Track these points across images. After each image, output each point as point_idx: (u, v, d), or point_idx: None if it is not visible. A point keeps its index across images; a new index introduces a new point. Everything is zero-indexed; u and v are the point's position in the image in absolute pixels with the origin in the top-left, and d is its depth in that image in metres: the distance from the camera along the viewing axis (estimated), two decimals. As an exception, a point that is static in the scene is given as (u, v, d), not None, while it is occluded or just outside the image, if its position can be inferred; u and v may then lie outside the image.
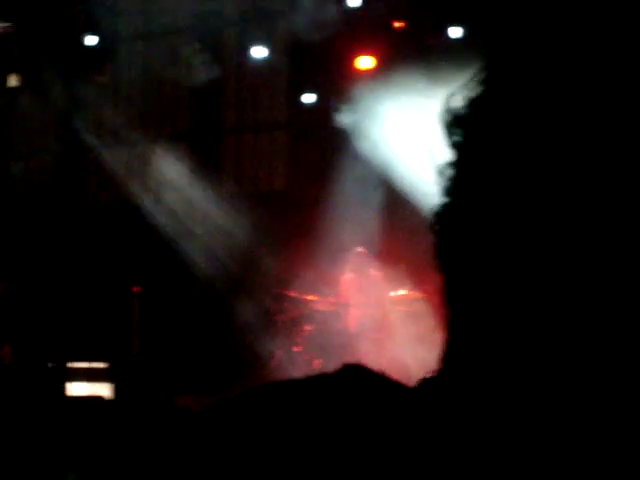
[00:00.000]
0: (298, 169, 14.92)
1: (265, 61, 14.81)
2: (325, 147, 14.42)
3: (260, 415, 0.97)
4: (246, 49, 14.82)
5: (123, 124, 15.78)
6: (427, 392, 0.99)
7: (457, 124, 0.95)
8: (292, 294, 13.04)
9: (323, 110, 14.34)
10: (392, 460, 0.94)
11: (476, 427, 0.96)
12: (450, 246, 1.03)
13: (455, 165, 0.96)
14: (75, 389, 12.38)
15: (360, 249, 12.90)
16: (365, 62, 13.53)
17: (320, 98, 14.50)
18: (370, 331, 12.70)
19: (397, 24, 13.11)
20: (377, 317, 12.77)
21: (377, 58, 13.55)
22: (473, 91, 0.94)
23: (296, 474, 0.93)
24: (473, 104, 0.94)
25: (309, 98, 14.65)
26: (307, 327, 12.81)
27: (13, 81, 16.11)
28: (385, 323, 12.74)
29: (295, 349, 12.75)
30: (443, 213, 1.00)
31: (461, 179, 0.95)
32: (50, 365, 12.20)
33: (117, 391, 12.60)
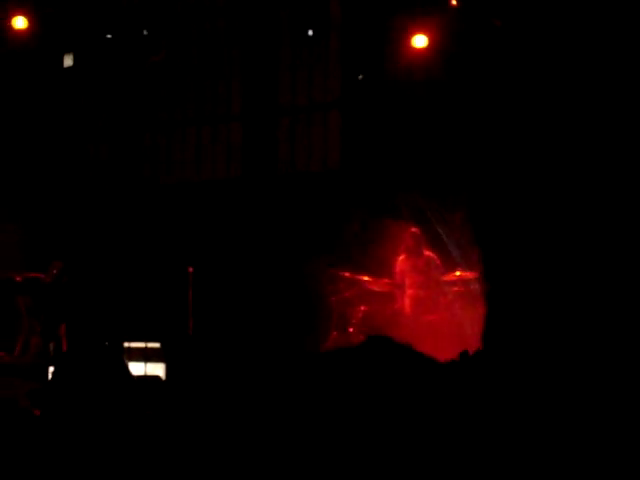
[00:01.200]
0: (352, 149, 14.84)
1: (319, 44, 14.77)
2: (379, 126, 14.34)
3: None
4: (301, 29, 14.77)
5: (177, 104, 15.80)
6: (453, 365, 0.97)
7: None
8: (346, 274, 13.01)
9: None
10: (406, 431, 0.91)
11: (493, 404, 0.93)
12: (487, 230, 1.00)
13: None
14: (131, 369, 12.44)
15: (414, 229, 12.84)
16: (420, 41, 13.40)
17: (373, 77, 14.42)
18: (425, 312, 12.66)
19: (454, 2, 12.99)
20: (432, 298, 12.72)
21: (431, 37, 13.43)
22: None
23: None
24: None
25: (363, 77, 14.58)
26: (362, 307, 12.78)
27: (69, 61, 16.15)
28: (439, 304, 12.70)
29: (349, 329, 12.72)
30: (481, 201, 0.96)
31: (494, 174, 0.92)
32: (107, 343, 12.28)
33: (169, 371, 12.66)
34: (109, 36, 15.35)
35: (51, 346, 12.81)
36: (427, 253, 12.83)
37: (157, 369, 12.75)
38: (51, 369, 11.85)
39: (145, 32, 15.32)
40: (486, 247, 11.78)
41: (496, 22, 13.01)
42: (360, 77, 14.54)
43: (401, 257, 12.94)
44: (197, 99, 15.79)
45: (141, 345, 13.13)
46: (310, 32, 14.58)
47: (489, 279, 11.67)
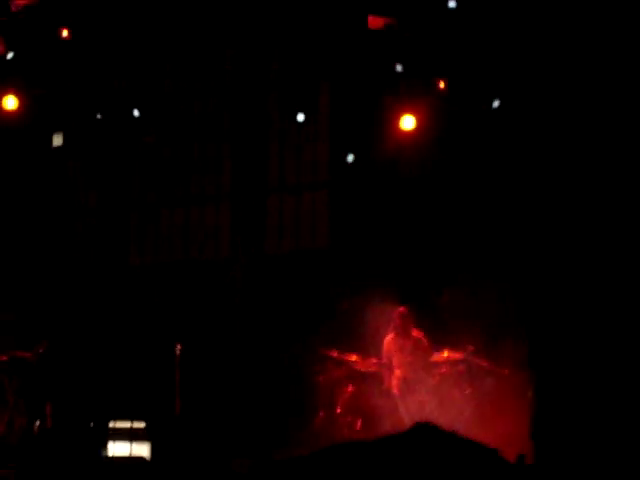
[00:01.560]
0: (340, 228, 14.90)
1: (308, 124, 14.92)
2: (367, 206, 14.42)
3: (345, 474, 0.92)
4: (289, 112, 14.93)
5: (166, 185, 15.88)
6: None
7: None
8: (334, 354, 12.98)
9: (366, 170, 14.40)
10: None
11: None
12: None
13: None
14: (116, 449, 12.34)
15: (403, 309, 12.83)
16: (408, 122, 13.52)
17: (363, 158, 14.52)
18: (412, 393, 12.59)
19: (441, 84, 13.12)
20: (419, 379, 12.65)
21: (419, 118, 13.55)
22: None
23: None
24: None
25: (350, 158, 14.68)
26: (349, 388, 12.72)
27: (58, 140, 16.25)
28: (427, 385, 12.63)
29: (337, 410, 12.65)
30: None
31: None
32: (92, 425, 12.19)
33: (154, 451, 12.55)
34: (99, 116, 15.47)
35: (36, 425, 12.70)
36: (415, 333, 12.80)
37: (142, 449, 12.63)
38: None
39: (136, 113, 15.45)
40: (534, 335, 11.75)
41: (483, 106, 13.16)
42: (349, 158, 14.64)
43: (389, 337, 12.90)
44: (186, 179, 15.87)
45: (126, 425, 13.03)
46: (300, 115, 14.71)
47: (536, 367, 11.62)
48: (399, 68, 13.44)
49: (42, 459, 3.93)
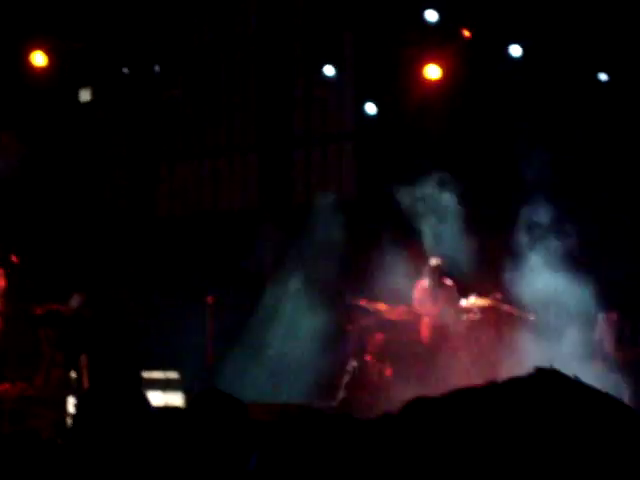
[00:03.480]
0: (367, 178, 14.96)
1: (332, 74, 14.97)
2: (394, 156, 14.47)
3: (470, 416, 1.01)
4: (314, 63, 14.98)
5: (193, 136, 15.98)
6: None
7: None
8: (363, 303, 13.07)
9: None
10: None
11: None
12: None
13: None
14: (150, 398, 12.54)
15: (435, 258, 12.89)
16: (433, 71, 13.56)
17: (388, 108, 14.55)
18: (442, 340, 12.71)
19: (466, 33, 13.14)
20: (448, 325, 12.77)
21: (444, 67, 13.57)
22: None
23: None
24: None
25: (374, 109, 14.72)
26: (378, 336, 12.85)
27: (86, 95, 16.35)
28: (457, 331, 12.74)
29: (367, 358, 12.80)
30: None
31: None
32: (126, 375, 12.40)
33: (188, 401, 12.73)
34: (126, 70, 15.56)
35: (72, 377, 12.91)
36: (445, 281, 12.86)
37: (176, 398, 12.83)
38: (71, 400, 11.97)
39: (159, 67, 15.53)
40: None
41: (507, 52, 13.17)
42: (370, 109, 14.66)
43: (420, 285, 12.96)
44: (213, 131, 15.95)
45: (160, 374, 13.23)
46: (327, 67, 14.75)
47: None
48: (424, 17, 13.47)
49: (91, 412, 4.07)
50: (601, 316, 12.09)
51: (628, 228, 12.83)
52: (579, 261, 12.28)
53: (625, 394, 11.36)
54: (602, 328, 12.07)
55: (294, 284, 14.49)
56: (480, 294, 12.74)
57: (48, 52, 14.24)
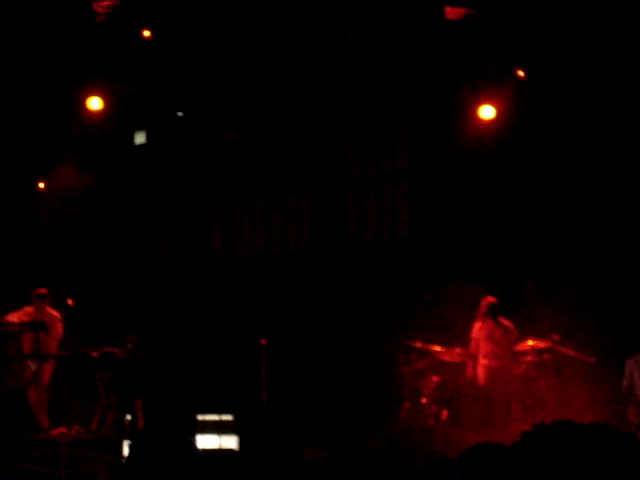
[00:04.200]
0: (421, 218, 14.89)
1: (387, 114, 14.99)
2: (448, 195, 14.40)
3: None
4: (368, 103, 15.02)
5: (247, 179, 16.03)
6: None
7: None
8: (418, 345, 12.96)
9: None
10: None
11: None
12: None
13: None
14: (205, 441, 12.52)
15: (491, 298, 12.75)
16: (487, 112, 13.49)
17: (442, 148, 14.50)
18: (498, 382, 12.54)
19: (520, 72, 13.07)
20: (505, 368, 12.60)
21: (498, 107, 13.51)
22: None
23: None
24: None
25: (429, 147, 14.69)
26: (434, 378, 12.70)
27: (140, 138, 16.49)
28: (513, 374, 12.57)
29: (422, 400, 12.65)
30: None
31: None
32: (181, 418, 12.38)
33: (243, 443, 12.68)
34: (180, 114, 15.67)
35: (127, 420, 12.91)
36: (503, 322, 12.69)
37: (230, 442, 12.79)
38: (126, 443, 11.96)
39: (215, 109, 15.62)
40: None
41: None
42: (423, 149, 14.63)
43: (477, 325, 12.81)
44: (267, 173, 15.99)
45: (215, 417, 13.20)
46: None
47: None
48: (477, 57, 13.43)
49: (142, 455, 4.04)
50: (631, 361, 11.85)
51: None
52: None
53: None
54: (631, 372, 11.83)
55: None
56: (538, 336, 12.56)
57: (104, 96, 14.38)
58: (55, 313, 13.53)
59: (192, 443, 4.18)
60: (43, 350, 13.30)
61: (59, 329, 13.52)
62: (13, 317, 13.38)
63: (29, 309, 13.47)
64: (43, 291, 13.50)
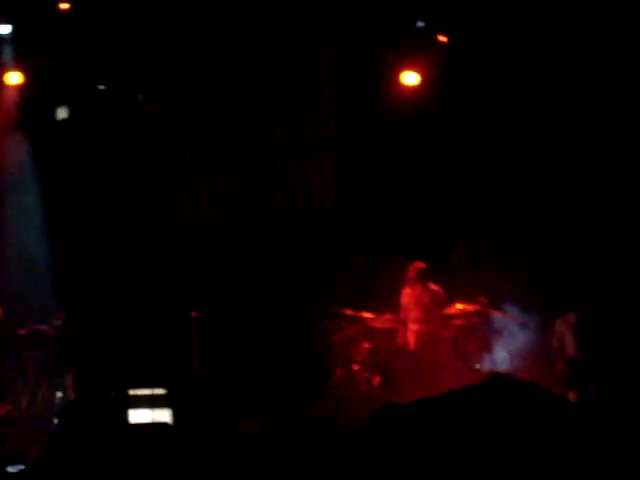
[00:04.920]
0: (348, 186, 14.92)
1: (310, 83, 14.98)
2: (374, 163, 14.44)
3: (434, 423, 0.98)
4: (292, 71, 14.99)
5: (172, 151, 15.94)
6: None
7: None
8: (348, 312, 12.99)
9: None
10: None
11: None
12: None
13: None
14: (138, 416, 12.47)
15: (419, 263, 12.81)
16: (410, 78, 13.52)
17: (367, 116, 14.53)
18: (429, 347, 12.65)
19: (442, 38, 13.11)
20: (435, 332, 12.70)
21: (421, 74, 13.54)
22: None
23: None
24: None
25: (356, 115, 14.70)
26: (365, 344, 12.76)
27: (62, 113, 16.28)
28: (443, 338, 12.67)
29: (354, 367, 12.71)
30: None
31: None
32: (112, 393, 12.31)
33: (176, 416, 12.66)
34: (102, 87, 15.49)
35: (58, 397, 12.84)
36: (432, 286, 12.75)
37: (164, 415, 12.76)
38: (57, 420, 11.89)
39: (137, 82, 15.47)
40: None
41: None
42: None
43: (406, 291, 12.88)
44: (192, 146, 15.91)
45: (147, 392, 13.15)
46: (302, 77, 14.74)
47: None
48: (399, 23, 13.44)
49: (71, 430, 4.01)
50: (560, 320, 12.04)
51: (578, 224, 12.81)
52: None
53: (591, 395, 11.36)
54: (560, 331, 12.02)
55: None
56: (466, 299, 12.66)
57: (23, 71, 14.17)
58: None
59: (122, 415, 4.16)
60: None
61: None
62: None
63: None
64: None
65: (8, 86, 14.26)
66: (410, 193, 14.00)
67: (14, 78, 14.16)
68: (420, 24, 13.25)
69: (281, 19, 15.16)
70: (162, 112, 15.80)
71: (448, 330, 12.64)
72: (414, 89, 13.58)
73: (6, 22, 13.94)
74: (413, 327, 12.82)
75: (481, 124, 13.48)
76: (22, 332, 13.15)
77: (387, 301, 12.90)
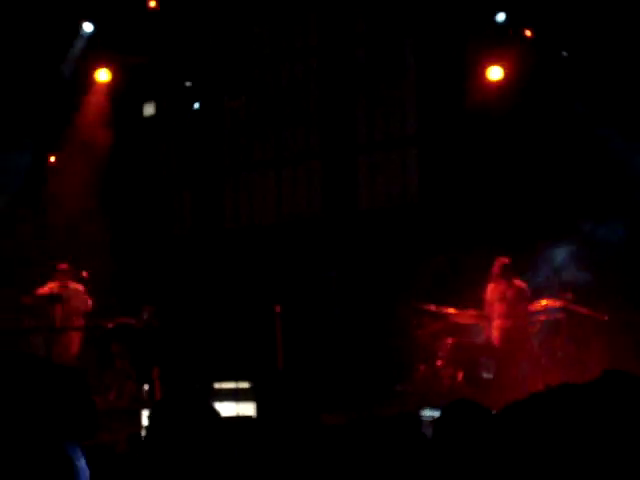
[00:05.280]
0: (431, 182, 14.89)
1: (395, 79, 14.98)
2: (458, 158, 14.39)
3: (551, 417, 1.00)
4: (377, 70, 15.01)
5: (257, 147, 16.03)
6: None
7: None
8: (432, 308, 12.98)
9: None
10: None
11: None
12: None
13: None
14: (222, 409, 12.58)
15: (503, 259, 12.73)
16: (495, 73, 13.46)
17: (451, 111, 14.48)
18: (513, 343, 12.58)
19: (528, 33, 13.02)
20: (519, 328, 12.62)
21: (507, 69, 13.47)
22: None
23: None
24: None
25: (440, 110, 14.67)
26: (449, 340, 12.74)
27: (149, 110, 16.49)
28: (527, 334, 12.59)
29: (438, 362, 12.70)
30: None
31: None
32: (198, 386, 12.45)
33: (260, 410, 12.74)
34: (188, 84, 15.65)
35: (145, 390, 13.00)
36: (516, 282, 12.67)
37: (248, 409, 12.86)
38: (145, 413, 12.04)
39: (223, 78, 15.59)
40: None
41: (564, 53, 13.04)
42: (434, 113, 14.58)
43: (490, 287, 12.81)
44: (276, 141, 15.99)
45: (231, 385, 13.26)
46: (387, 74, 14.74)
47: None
48: (485, 18, 13.38)
49: (162, 424, 4.08)
50: None
51: None
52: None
53: None
54: None
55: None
56: (551, 295, 12.57)
57: (112, 68, 14.40)
58: (79, 287, 13.57)
59: (214, 409, 4.22)
60: (63, 323, 13.38)
61: (85, 302, 13.57)
62: (41, 291, 13.46)
63: (52, 284, 13.54)
64: (64, 266, 13.54)
65: (98, 83, 14.50)
66: (493, 188, 13.92)
67: (103, 75, 14.40)
68: (501, 18, 13.17)
69: (365, 15, 15.18)
70: (246, 108, 15.92)
71: (533, 326, 12.57)
72: (498, 84, 13.52)
73: (94, 21, 14.17)
74: (497, 323, 12.74)
75: (565, 118, 13.36)
76: (110, 325, 13.36)
77: (471, 297, 12.85)
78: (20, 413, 3.66)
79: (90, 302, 13.57)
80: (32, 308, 13.43)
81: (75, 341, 13.42)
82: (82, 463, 3.53)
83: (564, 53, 13.03)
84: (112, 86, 14.76)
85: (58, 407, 4.30)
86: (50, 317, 13.21)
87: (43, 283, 13.52)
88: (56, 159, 15.83)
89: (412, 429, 5.60)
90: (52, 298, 13.17)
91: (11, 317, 13.99)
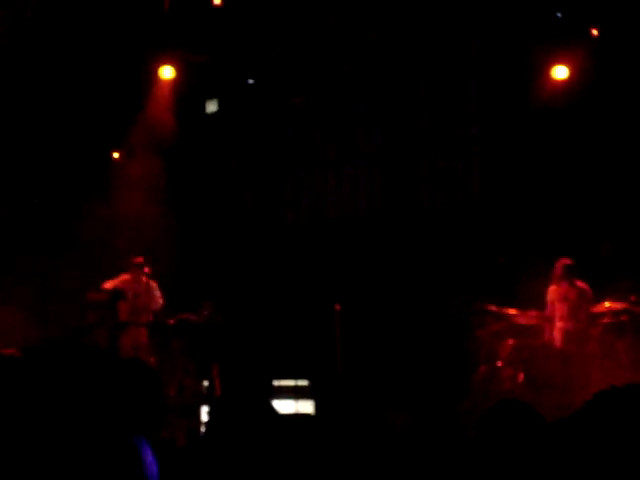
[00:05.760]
0: (493, 182, 14.80)
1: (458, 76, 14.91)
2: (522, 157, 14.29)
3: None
4: (440, 65, 14.94)
5: (319, 145, 16.04)
6: None
7: None
8: (493, 308, 12.90)
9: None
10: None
11: None
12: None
13: None
14: (281, 406, 12.63)
15: (566, 259, 12.61)
16: (561, 72, 13.34)
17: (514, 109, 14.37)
18: (575, 345, 12.46)
19: (594, 32, 12.88)
20: (581, 330, 12.50)
21: (572, 68, 13.34)
22: None
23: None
24: None
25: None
26: (510, 341, 12.66)
27: (212, 107, 16.58)
28: (590, 336, 12.47)
29: (498, 363, 12.62)
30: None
31: None
32: (257, 384, 12.50)
33: (319, 408, 12.76)
34: (251, 81, 15.72)
35: (204, 386, 13.08)
36: (579, 283, 12.55)
37: (307, 406, 12.89)
38: (204, 409, 12.11)
39: (285, 76, 15.63)
40: None
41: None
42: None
43: (552, 288, 12.69)
44: (338, 139, 15.99)
45: (291, 383, 13.30)
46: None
47: None
48: (550, 17, 13.26)
49: (222, 420, 4.09)
50: None
51: None
52: None
53: None
54: None
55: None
56: (615, 297, 12.43)
57: (176, 65, 14.49)
58: (152, 282, 13.67)
59: (272, 407, 4.21)
60: (130, 318, 13.50)
61: (157, 298, 13.68)
62: (108, 284, 13.59)
63: (125, 276, 13.65)
64: (140, 260, 13.63)
65: (162, 80, 14.61)
66: (556, 188, 13.80)
67: (167, 72, 14.50)
68: (567, 16, 13.06)
69: (429, 13, 15.11)
70: (308, 106, 15.95)
71: (595, 328, 12.43)
72: (563, 83, 13.39)
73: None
74: (559, 324, 12.64)
75: (632, 118, 13.21)
76: (171, 321, 13.45)
77: (532, 297, 12.75)
78: (90, 406, 3.68)
79: (162, 301, 13.67)
80: (97, 304, 13.56)
81: (142, 336, 13.53)
82: (149, 457, 3.53)
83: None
84: (176, 83, 14.85)
85: (128, 401, 4.32)
86: (115, 312, 13.35)
87: (115, 275, 13.64)
88: (121, 155, 15.97)
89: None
90: (116, 294, 13.29)
91: (76, 313, 14.15)
